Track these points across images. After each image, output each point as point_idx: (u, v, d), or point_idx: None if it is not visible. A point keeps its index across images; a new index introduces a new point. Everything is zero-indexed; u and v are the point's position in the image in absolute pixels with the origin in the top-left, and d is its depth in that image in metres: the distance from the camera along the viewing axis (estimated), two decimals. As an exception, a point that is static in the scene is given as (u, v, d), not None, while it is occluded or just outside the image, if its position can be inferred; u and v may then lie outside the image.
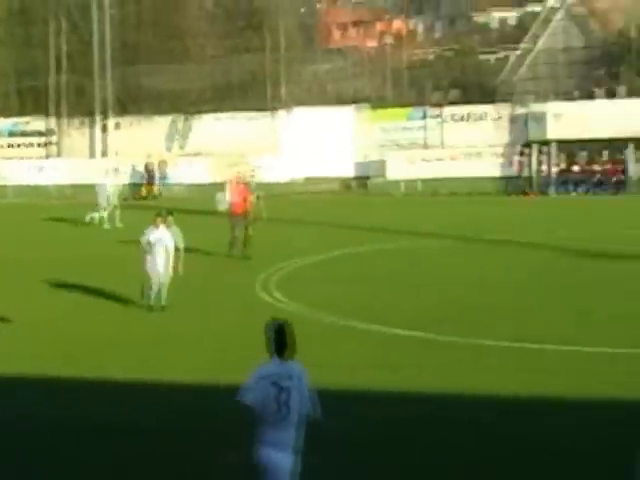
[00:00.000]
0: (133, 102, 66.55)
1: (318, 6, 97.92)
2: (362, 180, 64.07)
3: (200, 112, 65.87)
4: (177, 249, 27.26)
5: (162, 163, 62.29)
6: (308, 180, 61.84)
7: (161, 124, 66.14)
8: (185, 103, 66.14)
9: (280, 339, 11.35)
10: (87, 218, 45.18)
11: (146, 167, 61.20)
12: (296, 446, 11.53)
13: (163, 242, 26.82)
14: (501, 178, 62.02)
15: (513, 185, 61.21)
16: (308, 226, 42.10)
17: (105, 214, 45.21)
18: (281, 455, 11.39)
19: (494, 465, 15.04)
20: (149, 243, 26.78)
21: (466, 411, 17.82)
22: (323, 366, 18.61)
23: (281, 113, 67.26)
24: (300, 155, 63.89)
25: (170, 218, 27.88)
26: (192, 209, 47.96)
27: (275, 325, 11.42)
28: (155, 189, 61.26)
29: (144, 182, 61.11)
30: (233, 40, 72.36)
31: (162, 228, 27.10)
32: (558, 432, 16.36)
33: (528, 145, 62.17)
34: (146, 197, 59.22)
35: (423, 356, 21.86)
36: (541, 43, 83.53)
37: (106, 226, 44.74)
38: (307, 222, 41.60)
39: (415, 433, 16.46)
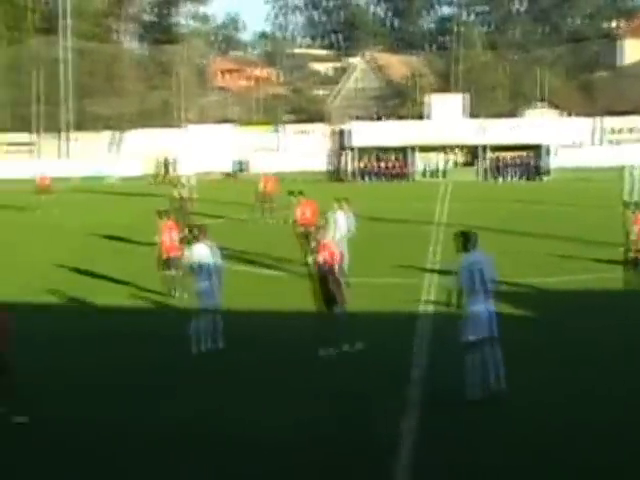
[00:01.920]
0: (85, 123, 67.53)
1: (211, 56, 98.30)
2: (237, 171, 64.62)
3: (130, 129, 66.75)
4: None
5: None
6: (206, 173, 61.89)
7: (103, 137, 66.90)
8: (118, 123, 66.97)
9: (464, 240, 12.34)
10: None
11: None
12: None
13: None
14: (328, 171, 61.91)
15: (335, 175, 61.02)
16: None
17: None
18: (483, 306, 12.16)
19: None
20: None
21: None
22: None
23: (187, 128, 68.04)
24: (198, 155, 64.49)
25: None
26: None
27: (461, 233, 12.52)
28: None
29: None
30: (150, 81, 73.49)
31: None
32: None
33: (343, 149, 61.86)
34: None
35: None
36: (351, 83, 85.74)
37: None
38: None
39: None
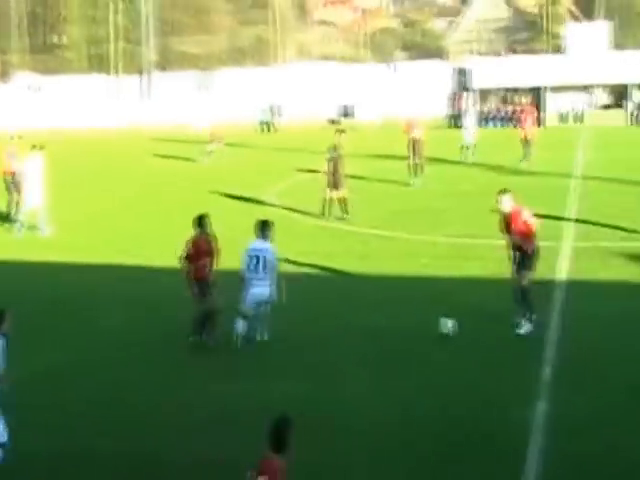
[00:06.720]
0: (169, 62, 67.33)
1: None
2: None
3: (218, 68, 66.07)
4: None
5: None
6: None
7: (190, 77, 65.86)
8: (206, 62, 65.92)
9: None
10: None
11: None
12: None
13: None
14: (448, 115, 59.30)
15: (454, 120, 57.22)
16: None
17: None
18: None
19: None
20: None
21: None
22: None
23: (283, 67, 66.96)
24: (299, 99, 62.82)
25: None
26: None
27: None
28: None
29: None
30: (243, 15, 72.72)
31: None
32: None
33: (466, 90, 58.94)
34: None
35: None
36: (473, 13, 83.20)
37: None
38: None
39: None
